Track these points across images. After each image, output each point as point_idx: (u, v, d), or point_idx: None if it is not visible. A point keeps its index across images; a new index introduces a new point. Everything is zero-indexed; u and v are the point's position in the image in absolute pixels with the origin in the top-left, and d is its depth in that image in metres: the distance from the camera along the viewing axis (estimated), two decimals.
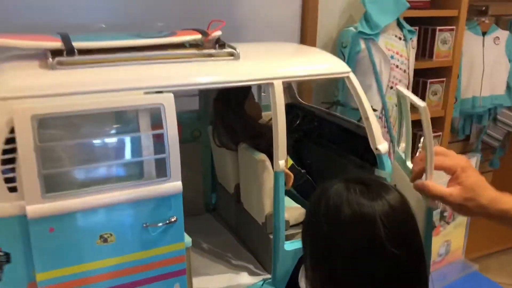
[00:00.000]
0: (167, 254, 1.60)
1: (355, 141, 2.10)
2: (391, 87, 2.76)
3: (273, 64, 1.77)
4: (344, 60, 2.91)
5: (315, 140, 2.35)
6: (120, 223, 1.51)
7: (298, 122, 2.36)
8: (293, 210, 1.99)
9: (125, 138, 1.54)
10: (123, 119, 1.54)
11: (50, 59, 1.45)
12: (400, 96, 1.70)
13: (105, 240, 1.50)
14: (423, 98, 3.02)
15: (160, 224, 1.55)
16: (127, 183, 1.50)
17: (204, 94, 2.35)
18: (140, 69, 1.56)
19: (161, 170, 1.54)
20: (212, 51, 1.69)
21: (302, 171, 2.16)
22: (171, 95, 1.52)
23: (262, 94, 2.59)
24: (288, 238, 1.88)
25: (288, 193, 2.09)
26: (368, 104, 1.88)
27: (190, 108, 2.39)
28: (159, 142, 1.53)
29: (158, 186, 1.53)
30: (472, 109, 3.33)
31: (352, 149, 2.15)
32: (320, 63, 1.86)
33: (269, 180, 1.90)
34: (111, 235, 1.50)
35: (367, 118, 1.88)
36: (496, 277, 2.35)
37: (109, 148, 1.53)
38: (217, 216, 2.45)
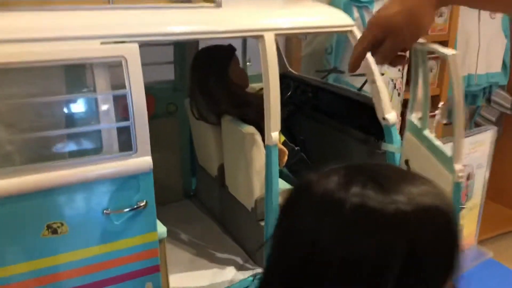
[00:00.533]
0: (135, 247, 1.29)
1: (357, 112, 1.81)
2: None
3: (262, 14, 1.45)
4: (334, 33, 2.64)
5: (309, 113, 2.05)
6: (73, 210, 1.19)
7: (289, 93, 2.05)
8: (286, 193, 1.68)
9: (77, 100, 1.21)
10: (75, 77, 1.21)
11: None
12: (417, 52, 1.41)
13: (55, 231, 1.18)
14: None
15: (126, 210, 1.24)
16: (81, 159, 1.18)
17: (180, 60, 2.03)
18: (97, 15, 1.23)
19: (125, 142, 1.22)
20: None
21: (296, 148, 1.86)
22: (136, 45, 1.20)
23: (248, 64, 2.28)
24: None
25: (279, 173, 1.80)
26: (375, 64, 1.59)
27: (164, 78, 2.06)
28: (122, 105, 1.21)
29: (121, 162, 1.22)
30: (467, 87, 3.11)
31: (353, 122, 1.86)
32: (318, 15, 1.55)
33: (259, 158, 1.59)
34: (61, 224, 1.18)
35: (374, 82, 1.59)
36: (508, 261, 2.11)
37: (56, 114, 1.20)
38: (198, 202, 2.14)
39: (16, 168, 1.11)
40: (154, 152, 1.25)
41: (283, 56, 2.22)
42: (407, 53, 1.28)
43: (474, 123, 3.50)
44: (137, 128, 1.21)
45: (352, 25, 1.56)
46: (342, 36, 2.74)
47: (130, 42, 1.19)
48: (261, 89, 2.18)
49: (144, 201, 1.26)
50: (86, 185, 1.18)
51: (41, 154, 1.16)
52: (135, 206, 1.25)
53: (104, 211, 1.21)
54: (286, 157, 1.62)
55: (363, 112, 1.81)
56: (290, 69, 2.24)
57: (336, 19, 1.56)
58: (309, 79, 2.12)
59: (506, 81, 3.22)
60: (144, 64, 1.20)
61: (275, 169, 1.49)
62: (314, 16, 1.54)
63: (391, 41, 0.79)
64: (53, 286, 1.20)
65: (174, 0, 1.36)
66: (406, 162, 1.56)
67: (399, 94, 2.57)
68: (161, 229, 1.37)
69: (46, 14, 1.18)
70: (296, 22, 1.47)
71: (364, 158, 1.86)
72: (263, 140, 1.61)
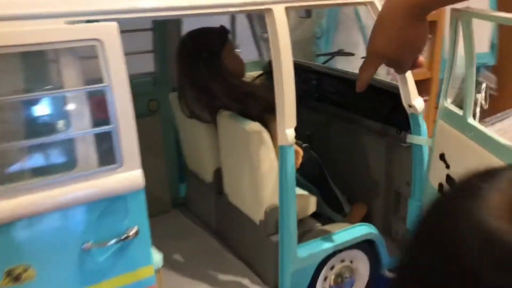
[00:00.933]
0: (126, 287, 1.00)
1: (371, 100, 1.56)
2: None
3: None
4: (324, 15, 2.38)
5: (314, 104, 1.78)
6: (41, 248, 0.89)
7: None
8: (297, 199, 1.42)
9: (39, 100, 0.91)
10: (35, 69, 0.90)
11: None
12: (457, 20, 1.16)
13: (16, 279, 0.87)
14: None
15: (112, 241, 0.95)
16: (48, 179, 0.87)
17: (161, 48, 1.72)
18: None
19: (107, 153, 0.93)
20: None
21: (304, 145, 1.60)
22: (114, 25, 0.90)
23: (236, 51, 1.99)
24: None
25: None
26: None
27: (142, 71, 1.76)
28: (100, 108, 0.92)
29: (102, 180, 0.92)
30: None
31: (367, 111, 1.60)
32: None
33: (267, 159, 1.32)
34: (25, 269, 0.88)
35: None
36: None
37: (12, 119, 0.89)
38: (189, 212, 1.85)
39: None
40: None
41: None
42: None
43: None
44: (121, 134, 0.92)
45: None
46: (332, 20, 2.51)
47: (106, 20, 0.89)
48: (259, 76, 1.92)
49: (135, 227, 0.97)
50: (57, 213, 0.89)
51: None
52: (124, 236, 0.96)
53: (83, 246, 0.92)
54: (301, 158, 1.35)
55: (379, 99, 1.55)
56: None
57: None
58: (311, 64, 1.85)
59: (494, 61, 3.08)
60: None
61: (292, 174, 1.22)
62: None
63: (397, 66, 0.84)
64: None
65: None
66: (442, 156, 1.31)
67: None
68: (157, 257, 1.09)
69: None
70: None
71: (383, 153, 1.61)
72: (271, 138, 1.34)
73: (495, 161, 1.08)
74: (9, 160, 0.88)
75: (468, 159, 1.20)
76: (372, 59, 0.81)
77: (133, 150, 0.94)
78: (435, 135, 1.36)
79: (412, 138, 1.43)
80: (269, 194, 1.34)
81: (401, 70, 0.87)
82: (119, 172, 0.94)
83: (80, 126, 0.90)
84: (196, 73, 1.42)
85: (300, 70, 1.82)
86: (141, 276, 1.01)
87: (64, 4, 0.88)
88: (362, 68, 0.83)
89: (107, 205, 0.94)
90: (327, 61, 1.87)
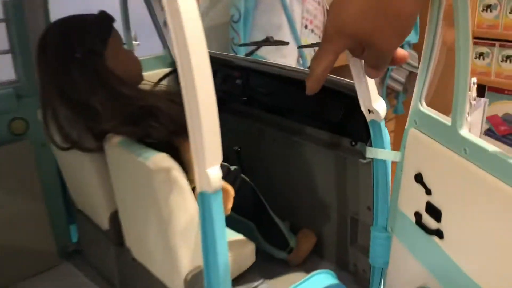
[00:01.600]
0: None
1: (317, 102, 1.19)
2: (306, 26, 2.10)
3: None
4: None
5: (240, 109, 1.38)
6: None
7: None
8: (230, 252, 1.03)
9: None
10: None
11: None
12: None
13: None
14: None
15: None
16: None
17: (21, 46, 1.23)
18: None
19: None
20: None
21: (232, 168, 1.20)
22: None
23: (134, 43, 1.54)
24: None
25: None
26: None
27: None
28: None
29: None
30: None
31: (313, 117, 1.23)
32: None
33: (182, 207, 0.91)
34: None
35: None
36: None
37: None
38: (83, 262, 1.39)
39: None
40: None
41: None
42: None
43: (386, 87, 3.22)
44: None
45: None
46: None
47: None
48: (165, 76, 1.47)
49: None
50: None
51: None
52: None
53: None
54: (231, 201, 0.95)
55: (325, 101, 1.19)
56: None
57: None
58: (233, 58, 1.44)
59: (417, 39, 2.95)
60: None
61: (220, 227, 0.81)
62: None
63: (373, 53, 0.56)
64: None
65: None
66: (418, 178, 0.98)
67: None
68: None
69: None
70: None
71: (333, 170, 1.25)
72: (186, 173, 0.93)
73: (504, 190, 0.75)
74: None
75: (460, 185, 0.86)
76: (334, 41, 0.56)
77: None
78: (406, 147, 1.02)
79: (372, 152, 1.09)
80: (189, 255, 0.93)
81: (377, 60, 0.57)
82: None
83: None
84: (68, 83, 0.96)
85: (217, 65, 1.42)
86: None
87: None
88: (316, 58, 0.59)
89: None
90: (252, 52, 1.47)
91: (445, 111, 0.92)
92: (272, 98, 1.29)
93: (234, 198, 1.17)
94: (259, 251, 1.25)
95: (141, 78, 1.10)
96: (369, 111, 1.04)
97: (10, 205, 1.27)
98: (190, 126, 0.74)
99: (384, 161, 1.09)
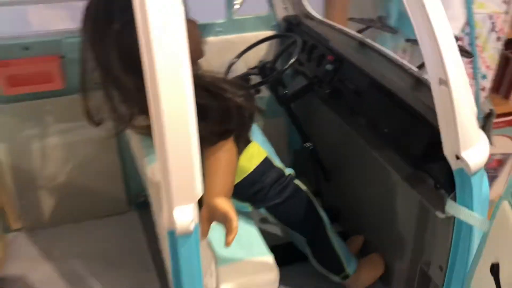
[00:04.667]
0: None
1: (403, 123, 0.92)
2: None
3: None
4: None
5: (326, 97, 1.15)
6: None
7: (294, 58, 1.13)
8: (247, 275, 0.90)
9: None
10: None
11: None
12: None
13: None
14: None
15: None
16: None
17: None
18: None
19: None
20: None
21: (287, 173, 1.02)
22: None
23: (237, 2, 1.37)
24: None
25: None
26: (449, 36, 0.66)
27: None
28: None
29: None
30: None
31: (395, 138, 0.96)
32: None
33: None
34: None
35: (442, 82, 0.68)
36: None
37: None
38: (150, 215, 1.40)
39: None
40: None
41: None
42: None
43: None
44: None
45: None
46: None
47: None
48: (256, 43, 1.29)
49: None
50: None
51: None
52: None
53: None
54: (234, 232, 0.79)
55: (409, 125, 0.91)
56: (310, 11, 1.32)
57: None
58: (338, 32, 1.20)
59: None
60: None
61: (189, 271, 0.68)
62: None
63: None
64: None
65: None
66: (494, 268, 0.69)
67: (498, 39, 1.60)
68: None
69: None
70: None
71: (411, 209, 0.98)
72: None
73: None
74: None
75: None
76: None
77: None
78: (494, 223, 0.72)
79: (454, 208, 0.80)
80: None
81: None
82: None
83: None
84: (102, 57, 0.86)
85: (316, 40, 1.20)
86: None
87: None
88: None
89: None
90: (362, 30, 1.19)
91: None
92: (362, 94, 1.03)
93: (282, 206, 1.01)
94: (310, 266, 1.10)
95: (199, 55, 0.95)
96: (457, 157, 0.75)
97: (86, 151, 1.30)
98: (158, 154, 0.59)
99: (469, 226, 0.80)
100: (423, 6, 0.66)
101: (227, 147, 0.84)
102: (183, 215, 0.62)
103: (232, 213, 0.76)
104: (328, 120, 1.21)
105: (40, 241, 1.34)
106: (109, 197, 1.40)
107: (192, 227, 0.63)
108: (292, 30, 1.30)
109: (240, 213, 1.00)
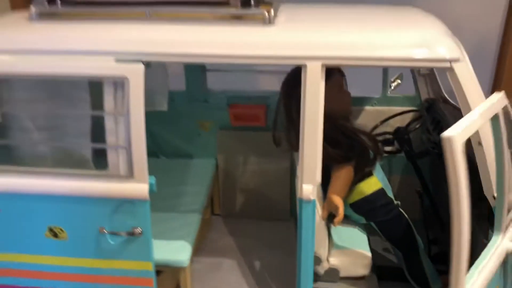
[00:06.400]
0: (130, 271, 1.25)
1: None
2: None
3: (316, 36, 1.14)
4: None
5: (438, 161, 1.57)
6: (71, 219, 1.22)
7: (417, 126, 1.62)
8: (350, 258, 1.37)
9: (85, 114, 1.22)
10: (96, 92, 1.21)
11: (33, 9, 1.22)
12: None
13: (56, 235, 1.24)
14: None
15: (122, 233, 1.20)
16: (75, 172, 1.19)
17: None
18: (124, 28, 1.19)
19: (128, 165, 1.17)
20: (236, 10, 1.18)
21: (395, 202, 1.46)
22: (141, 66, 1.11)
23: (395, 84, 1.87)
24: None
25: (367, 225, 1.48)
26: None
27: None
28: None
29: (116, 184, 1.18)
30: None
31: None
32: (404, 41, 1.12)
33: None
34: (62, 230, 1.23)
35: (479, 143, 1.09)
36: None
37: (67, 123, 1.24)
38: None
39: (25, 169, 1.20)
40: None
41: (438, 79, 1.74)
42: None
43: None
44: (134, 152, 1.14)
45: (454, 60, 1.08)
46: None
47: (136, 61, 1.12)
48: (397, 114, 1.77)
49: (139, 228, 1.20)
50: (82, 199, 1.20)
51: (45, 157, 1.23)
52: (131, 232, 1.20)
53: (100, 228, 1.21)
54: (340, 211, 1.29)
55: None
56: (445, 95, 1.75)
57: (427, 50, 1.09)
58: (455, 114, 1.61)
59: None
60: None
61: (310, 228, 1.19)
62: (395, 43, 1.11)
63: None
64: (51, 283, 1.27)
65: (221, 15, 1.19)
66: None
67: None
68: (178, 257, 1.31)
69: (80, 27, 1.20)
70: (357, 49, 1.10)
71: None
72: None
73: None
74: (55, 149, 1.24)
75: None
76: None
77: (143, 167, 1.15)
78: None
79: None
80: None
81: None
82: (129, 182, 1.17)
83: (111, 140, 1.16)
84: (288, 109, 1.45)
85: (443, 118, 1.63)
86: (141, 267, 1.24)
87: (114, 44, 1.14)
88: None
89: (119, 205, 1.19)
90: None
91: None
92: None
93: (386, 223, 1.45)
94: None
95: (347, 113, 1.49)
96: (494, 197, 1.11)
97: (270, 170, 1.93)
98: (300, 158, 1.15)
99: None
100: None
101: (347, 169, 1.35)
102: (308, 189, 1.16)
103: (340, 205, 1.27)
104: (439, 175, 1.60)
105: (231, 223, 2.00)
106: (276, 205, 1.99)
107: (311, 197, 1.16)
108: (430, 109, 1.74)
109: (357, 224, 1.49)
